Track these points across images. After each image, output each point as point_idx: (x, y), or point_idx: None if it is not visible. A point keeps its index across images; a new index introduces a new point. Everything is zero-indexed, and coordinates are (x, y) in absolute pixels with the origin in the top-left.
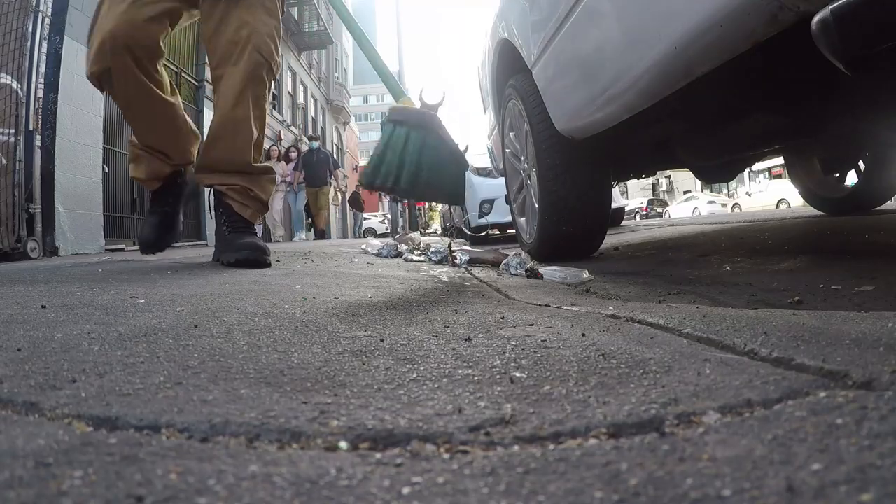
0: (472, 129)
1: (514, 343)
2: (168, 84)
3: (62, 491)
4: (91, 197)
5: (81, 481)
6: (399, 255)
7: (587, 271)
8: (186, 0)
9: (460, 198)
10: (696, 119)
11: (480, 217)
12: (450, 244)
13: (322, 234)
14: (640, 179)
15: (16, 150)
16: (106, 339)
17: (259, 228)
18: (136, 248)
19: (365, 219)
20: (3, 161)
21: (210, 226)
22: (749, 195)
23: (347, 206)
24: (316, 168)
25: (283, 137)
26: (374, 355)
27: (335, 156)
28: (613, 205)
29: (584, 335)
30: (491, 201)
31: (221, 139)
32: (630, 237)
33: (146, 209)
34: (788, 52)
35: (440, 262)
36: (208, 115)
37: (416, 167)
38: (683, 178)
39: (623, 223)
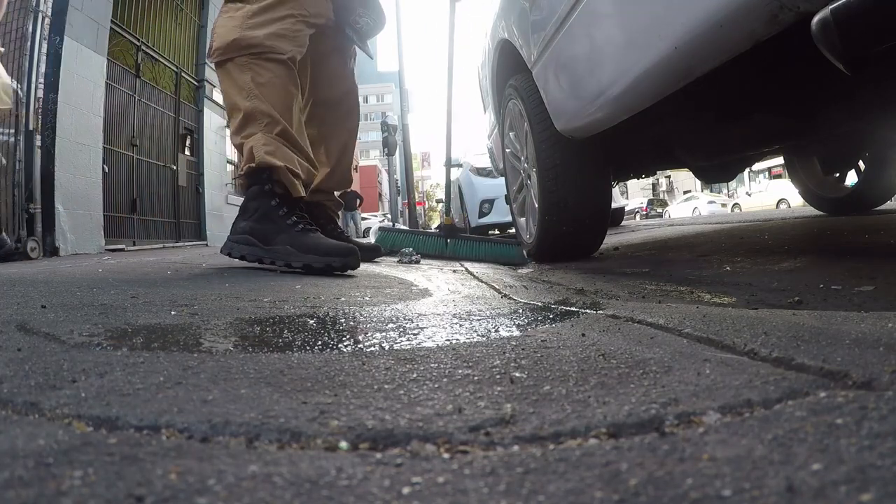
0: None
1: (513, 343)
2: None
3: (62, 491)
4: (91, 197)
5: (81, 481)
6: (399, 255)
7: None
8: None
9: None
10: (696, 119)
11: (480, 217)
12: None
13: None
14: (640, 179)
15: (16, 150)
16: (106, 339)
17: None
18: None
19: (364, 219)
20: (3, 161)
21: (213, 227)
22: (749, 195)
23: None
24: None
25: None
26: (374, 355)
27: None
28: (613, 205)
29: (583, 335)
30: (491, 201)
31: (345, 160)
32: (630, 237)
33: (146, 209)
34: (788, 51)
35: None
36: (208, 115)
37: None
38: (683, 178)
39: (623, 223)
